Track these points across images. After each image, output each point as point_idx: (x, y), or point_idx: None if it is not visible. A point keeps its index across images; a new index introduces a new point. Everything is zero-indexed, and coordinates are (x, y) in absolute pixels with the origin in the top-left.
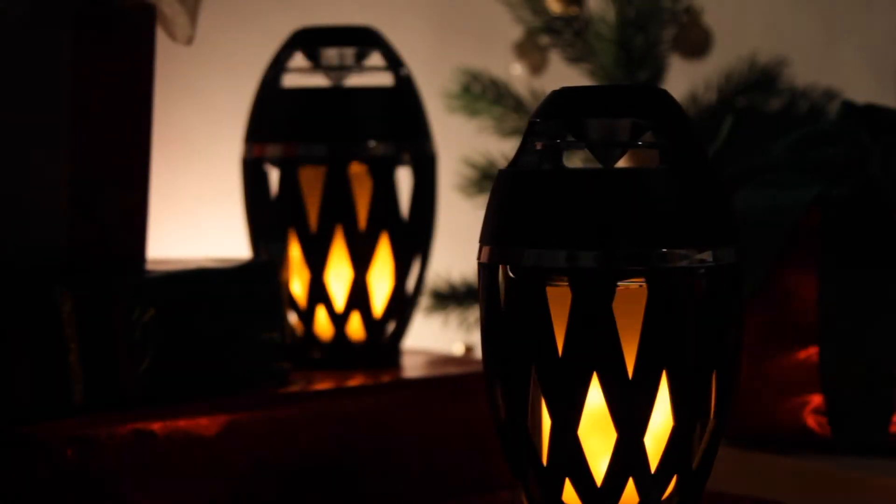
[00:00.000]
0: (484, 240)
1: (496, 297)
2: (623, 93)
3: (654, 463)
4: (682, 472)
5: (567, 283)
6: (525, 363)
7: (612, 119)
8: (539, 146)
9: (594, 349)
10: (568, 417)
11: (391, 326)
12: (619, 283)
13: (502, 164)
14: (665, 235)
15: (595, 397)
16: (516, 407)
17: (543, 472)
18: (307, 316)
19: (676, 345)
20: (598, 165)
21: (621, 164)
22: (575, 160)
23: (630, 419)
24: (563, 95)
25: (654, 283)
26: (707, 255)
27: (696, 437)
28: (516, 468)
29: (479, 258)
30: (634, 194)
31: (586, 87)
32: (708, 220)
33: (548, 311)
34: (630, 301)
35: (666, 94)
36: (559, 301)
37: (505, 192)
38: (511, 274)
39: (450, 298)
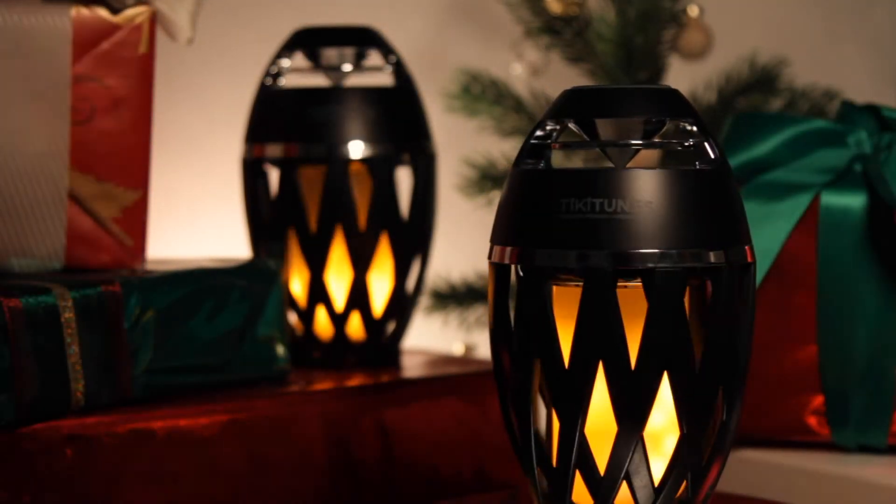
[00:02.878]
0: (495, 239)
1: (529, 298)
2: (637, 93)
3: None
4: (722, 462)
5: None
6: (590, 366)
7: (628, 119)
8: (556, 146)
9: (666, 348)
10: (635, 420)
11: (391, 326)
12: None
13: (502, 163)
14: (676, 235)
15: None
16: (570, 412)
17: (599, 478)
18: (307, 316)
19: (603, 344)
20: (597, 164)
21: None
22: (576, 160)
23: (696, 416)
24: (576, 95)
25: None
26: (720, 256)
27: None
28: (557, 476)
29: (489, 258)
30: (597, 194)
31: (598, 87)
32: (720, 219)
33: (619, 315)
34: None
35: (678, 93)
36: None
37: (517, 191)
38: (521, 273)
39: (450, 298)
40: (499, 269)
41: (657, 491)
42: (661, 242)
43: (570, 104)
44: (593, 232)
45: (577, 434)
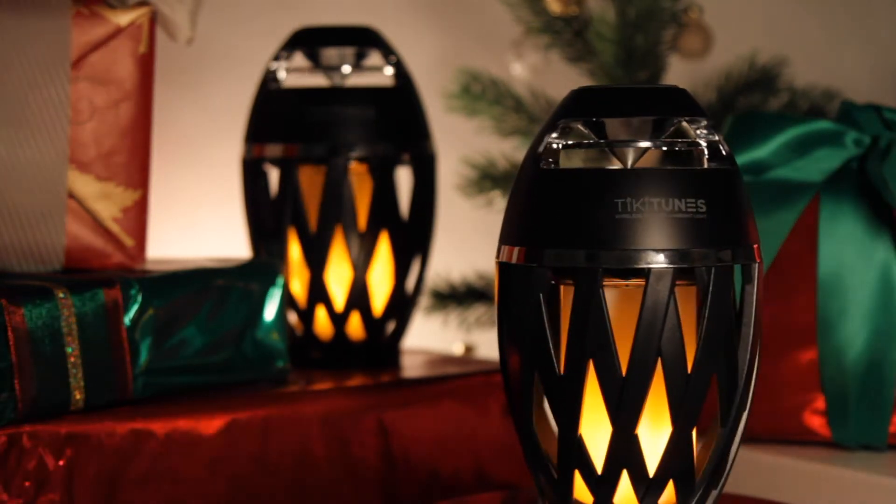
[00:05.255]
0: (504, 239)
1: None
2: (648, 92)
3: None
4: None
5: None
6: (648, 367)
7: (640, 118)
8: (571, 144)
9: (718, 347)
10: (689, 420)
11: (391, 326)
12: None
13: (502, 163)
14: (686, 235)
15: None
16: (625, 414)
17: (648, 480)
18: (307, 316)
19: (661, 344)
20: (598, 164)
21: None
22: (575, 160)
23: (732, 416)
24: (587, 95)
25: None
26: (727, 255)
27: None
28: (602, 480)
29: (497, 257)
30: (654, 193)
31: (608, 87)
32: (729, 219)
33: (678, 315)
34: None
35: (686, 93)
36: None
37: (526, 191)
38: (575, 276)
39: (450, 298)
40: (527, 272)
41: (697, 488)
42: (713, 241)
43: (583, 104)
44: (651, 230)
45: (631, 436)
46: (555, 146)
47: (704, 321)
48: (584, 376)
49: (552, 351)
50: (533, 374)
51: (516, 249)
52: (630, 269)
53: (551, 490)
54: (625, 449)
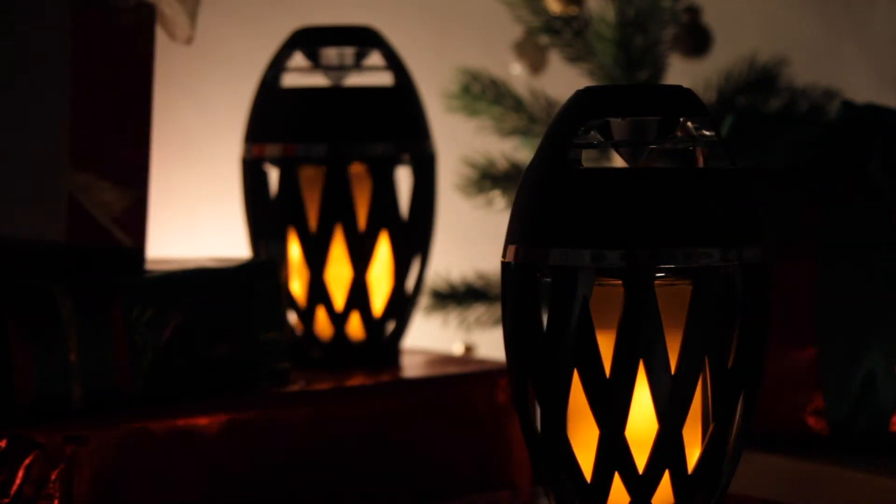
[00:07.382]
0: (510, 239)
1: (566, 300)
2: (654, 92)
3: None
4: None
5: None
6: (697, 366)
7: (645, 118)
8: (596, 144)
9: (753, 345)
10: (729, 417)
11: (391, 326)
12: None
13: (502, 163)
14: (690, 234)
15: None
16: (673, 413)
17: (686, 478)
18: (307, 316)
19: (708, 343)
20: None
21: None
22: None
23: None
24: (591, 95)
25: (697, 281)
26: (732, 255)
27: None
28: (643, 481)
29: (503, 257)
30: (661, 194)
31: (613, 87)
32: (734, 219)
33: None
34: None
35: (691, 93)
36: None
37: (531, 191)
38: (625, 275)
39: (449, 298)
40: (570, 274)
41: (720, 484)
42: (741, 240)
43: (599, 104)
44: (699, 229)
45: (678, 435)
46: (579, 147)
47: (742, 319)
48: (634, 377)
49: (599, 352)
50: (571, 377)
51: (548, 251)
52: (675, 269)
53: (579, 494)
54: (670, 448)
